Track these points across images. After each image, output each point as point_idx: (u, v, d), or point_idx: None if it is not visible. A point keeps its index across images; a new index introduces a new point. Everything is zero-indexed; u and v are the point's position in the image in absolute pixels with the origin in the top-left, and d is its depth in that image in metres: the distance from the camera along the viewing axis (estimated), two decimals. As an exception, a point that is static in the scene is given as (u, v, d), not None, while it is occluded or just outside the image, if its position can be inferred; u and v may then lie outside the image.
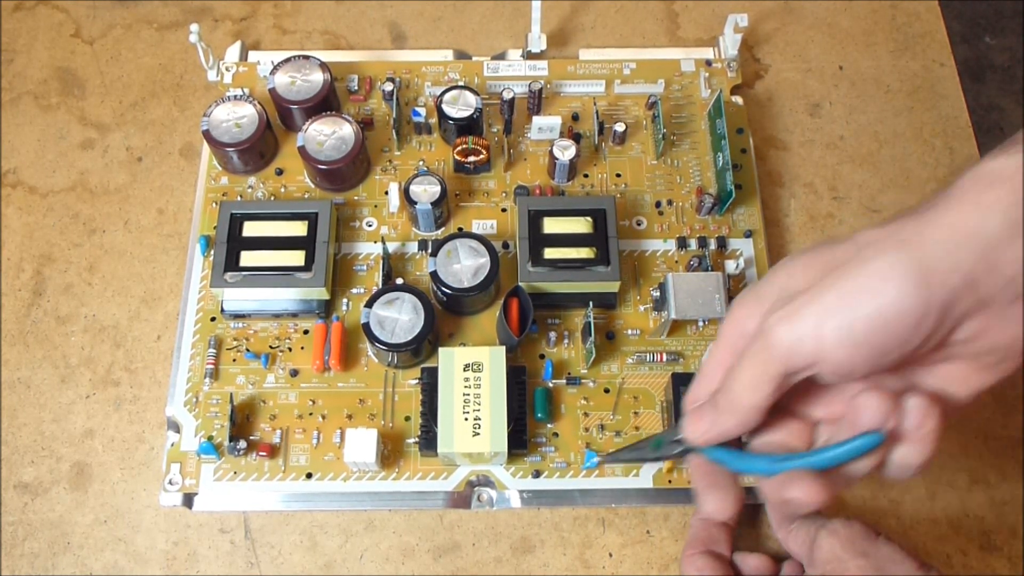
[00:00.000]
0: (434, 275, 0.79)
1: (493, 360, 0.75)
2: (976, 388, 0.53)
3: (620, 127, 0.88)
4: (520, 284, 0.79)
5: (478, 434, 0.72)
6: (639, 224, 0.86)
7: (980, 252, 0.46)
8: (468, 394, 0.73)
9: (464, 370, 0.74)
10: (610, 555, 0.77)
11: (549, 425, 0.78)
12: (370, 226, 0.86)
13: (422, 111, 0.89)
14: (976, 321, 0.49)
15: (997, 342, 0.49)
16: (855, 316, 0.48)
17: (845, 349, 0.49)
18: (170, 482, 0.76)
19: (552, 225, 0.81)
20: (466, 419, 0.73)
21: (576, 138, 0.89)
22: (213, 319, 0.82)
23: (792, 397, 0.55)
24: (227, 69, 0.93)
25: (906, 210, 0.50)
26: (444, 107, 0.86)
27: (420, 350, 0.78)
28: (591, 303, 0.79)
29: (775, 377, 0.52)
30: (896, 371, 0.53)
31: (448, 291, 0.78)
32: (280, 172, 0.88)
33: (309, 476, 0.77)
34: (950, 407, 0.53)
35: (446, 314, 0.83)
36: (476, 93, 0.87)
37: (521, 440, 0.76)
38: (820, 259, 0.52)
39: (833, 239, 0.53)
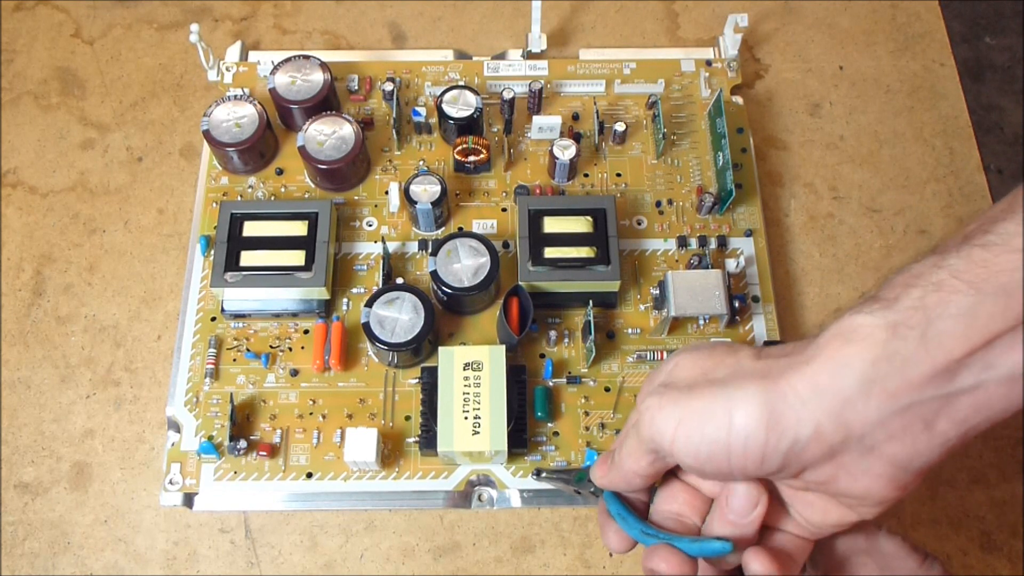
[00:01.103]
0: (434, 274, 0.79)
1: (493, 359, 0.75)
2: (839, 521, 0.54)
3: (620, 127, 0.88)
4: (520, 283, 0.79)
5: (478, 432, 0.72)
6: (639, 223, 0.86)
7: (832, 408, 0.47)
8: (468, 393, 0.74)
9: (464, 369, 0.74)
10: (610, 555, 0.77)
11: (549, 424, 0.78)
12: (370, 226, 0.86)
13: (422, 111, 0.89)
14: (827, 468, 0.49)
15: (850, 489, 0.50)
16: (703, 434, 0.50)
17: (692, 458, 0.51)
18: (170, 482, 0.76)
19: (552, 224, 0.81)
20: (466, 418, 0.73)
21: (576, 138, 0.89)
22: (213, 319, 0.82)
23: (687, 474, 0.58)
24: (227, 69, 0.93)
25: (787, 345, 0.51)
26: (444, 107, 0.86)
27: (420, 350, 0.78)
28: (591, 302, 0.79)
29: (647, 452, 0.54)
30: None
31: (448, 290, 0.78)
32: (280, 172, 0.88)
33: (309, 476, 0.76)
34: (813, 531, 0.55)
35: (446, 314, 0.83)
36: (476, 93, 0.87)
37: (521, 439, 0.76)
38: (705, 363, 0.53)
39: (729, 346, 0.54)
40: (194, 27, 0.87)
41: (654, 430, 0.52)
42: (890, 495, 0.50)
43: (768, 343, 0.80)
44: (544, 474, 0.72)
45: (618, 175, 0.89)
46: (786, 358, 0.49)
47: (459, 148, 0.86)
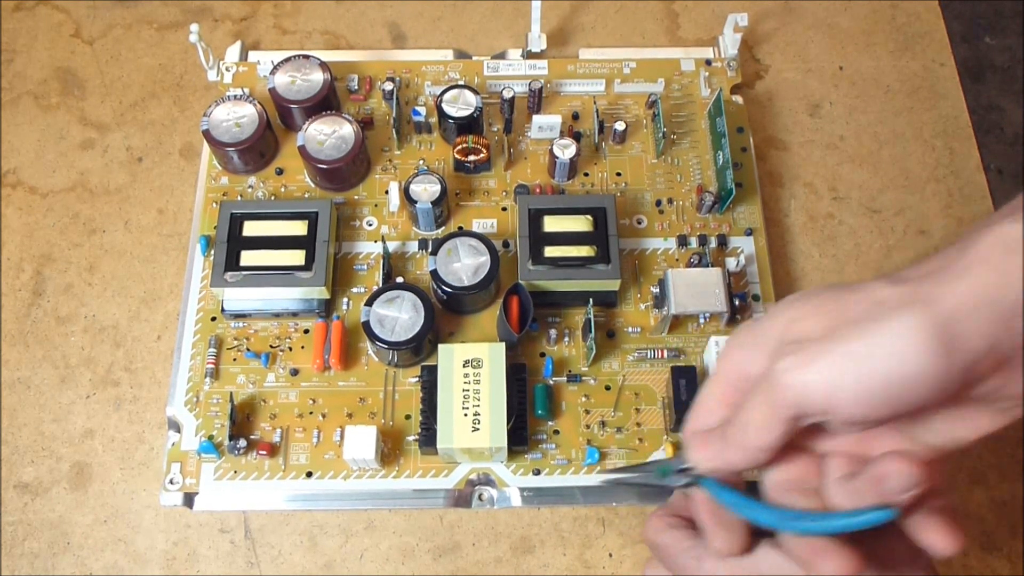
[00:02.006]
0: (434, 273, 0.79)
1: (492, 356, 0.75)
2: (985, 431, 0.52)
3: (620, 126, 0.88)
4: (520, 282, 0.79)
5: (477, 429, 0.72)
6: (639, 223, 0.86)
7: (1002, 318, 0.45)
8: (468, 390, 0.74)
9: (464, 366, 0.74)
10: (610, 555, 0.77)
11: (550, 422, 0.78)
12: (370, 225, 0.86)
13: (422, 110, 0.89)
14: (996, 378, 0.48)
15: (1013, 392, 0.49)
16: (873, 374, 0.47)
17: (860, 405, 0.48)
18: (171, 481, 0.76)
19: (552, 224, 0.81)
20: (465, 414, 0.73)
21: (576, 137, 0.89)
22: (213, 319, 0.82)
23: (800, 433, 0.54)
24: (227, 69, 0.93)
25: (915, 265, 0.49)
26: (444, 106, 0.86)
27: (420, 348, 0.78)
28: (591, 301, 0.79)
29: (785, 421, 0.51)
30: (909, 417, 0.52)
31: (448, 290, 0.78)
32: (280, 172, 0.88)
33: (309, 475, 0.76)
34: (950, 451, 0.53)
35: (446, 313, 0.83)
36: (476, 92, 0.87)
37: (522, 437, 0.76)
38: (830, 307, 0.51)
39: (840, 285, 0.52)
40: (194, 27, 0.87)
41: (805, 391, 0.49)
42: None
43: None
44: (610, 474, 0.71)
45: (618, 174, 0.89)
46: (933, 275, 0.47)
47: (459, 147, 0.86)
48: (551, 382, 0.80)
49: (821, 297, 0.51)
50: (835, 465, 0.54)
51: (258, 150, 0.86)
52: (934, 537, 0.51)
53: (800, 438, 0.55)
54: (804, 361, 0.49)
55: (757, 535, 0.58)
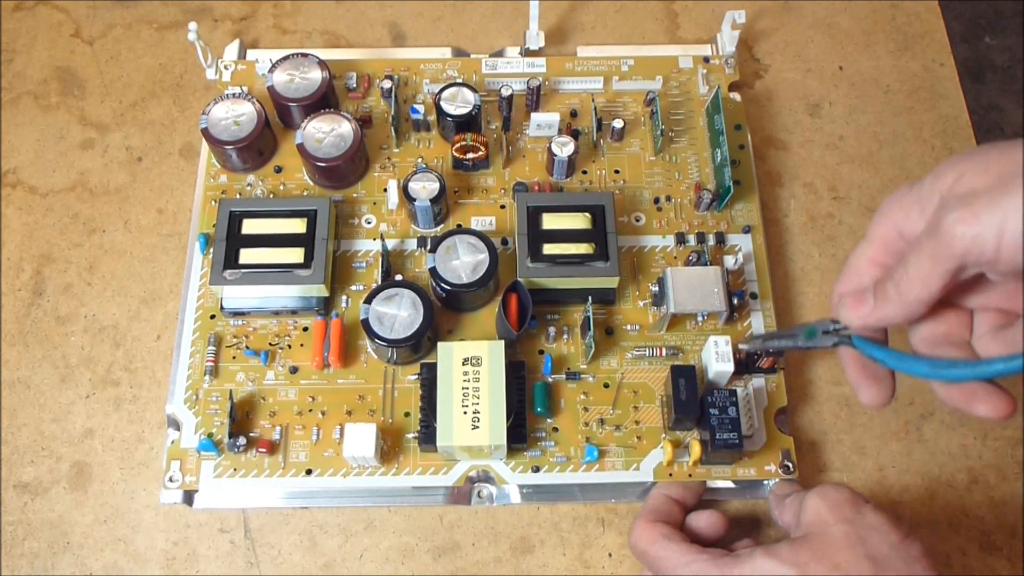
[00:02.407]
0: (433, 271, 0.79)
1: (492, 354, 0.75)
2: None
3: (618, 124, 0.88)
4: (519, 279, 0.79)
5: (477, 427, 0.72)
6: (638, 220, 0.86)
7: None
8: (467, 388, 0.74)
9: (463, 364, 0.74)
10: (610, 555, 0.77)
11: (549, 420, 0.78)
12: (369, 223, 0.86)
13: (421, 108, 0.89)
14: None
15: None
16: None
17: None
18: (170, 479, 0.76)
19: (551, 221, 0.81)
20: (465, 412, 0.73)
21: (574, 135, 0.89)
22: (213, 317, 0.82)
23: (952, 290, 0.55)
24: (225, 67, 0.93)
25: None
26: (443, 104, 0.86)
27: (419, 346, 0.78)
28: (590, 298, 0.78)
29: (948, 272, 0.52)
30: None
31: (447, 287, 0.78)
32: (279, 170, 0.88)
33: (309, 472, 0.76)
34: None
35: (445, 310, 0.83)
36: (474, 90, 0.87)
37: (521, 434, 0.76)
38: (996, 161, 0.51)
39: (1002, 142, 0.52)
40: (192, 25, 0.87)
41: (976, 240, 0.49)
42: None
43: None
44: (753, 340, 0.72)
45: (616, 172, 0.89)
46: None
47: (457, 145, 0.86)
48: (550, 380, 0.80)
49: (988, 155, 0.52)
50: (987, 318, 0.57)
51: (257, 148, 0.86)
52: (986, 406, 0.54)
53: (951, 294, 0.56)
54: (975, 212, 0.50)
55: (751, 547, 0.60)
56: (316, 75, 0.87)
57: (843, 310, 0.59)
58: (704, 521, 0.73)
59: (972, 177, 0.52)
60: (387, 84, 0.89)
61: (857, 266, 0.59)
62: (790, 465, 0.77)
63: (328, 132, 0.84)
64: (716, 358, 0.75)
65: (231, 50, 0.96)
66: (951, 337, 0.57)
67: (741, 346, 0.78)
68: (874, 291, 0.57)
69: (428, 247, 0.82)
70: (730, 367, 0.75)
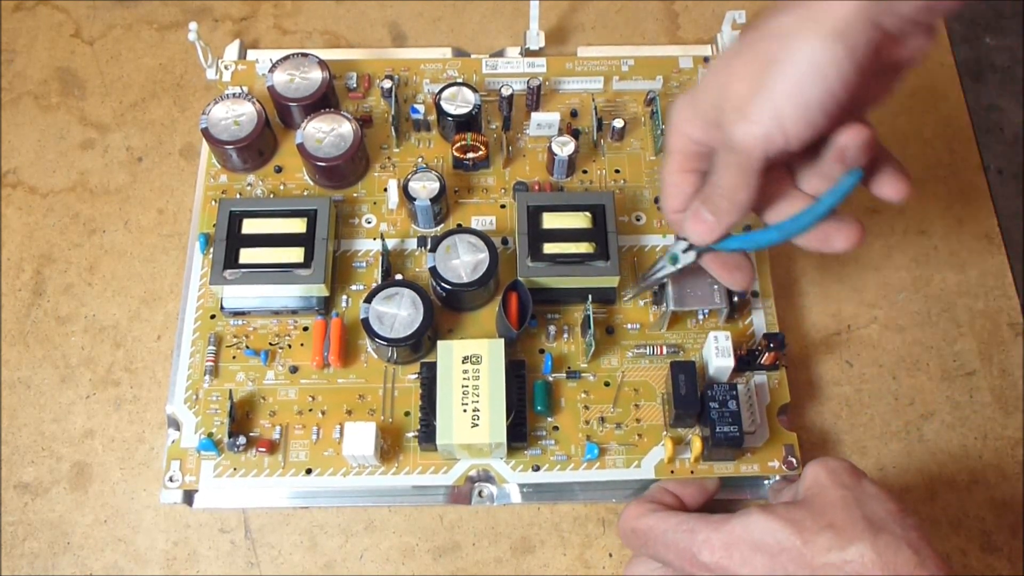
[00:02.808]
0: (433, 270, 0.79)
1: (492, 352, 0.75)
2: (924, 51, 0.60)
3: (619, 123, 0.88)
4: (519, 278, 0.79)
5: (477, 425, 0.72)
6: (638, 219, 0.86)
7: (879, 9, 0.55)
8: (467, 386, 0.74)
9: (463, 362, 0.74)
10: (610, 555, 0.77)
11: (549, 419, 0.78)
12: (369, 223, 0.86)
13: (421, 108, 0.89)
14: (893, 48, 0.58)
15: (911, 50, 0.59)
16: (808, 98, 0.56)
17: (809, 123, 0.56)
18: (170, 479, 0.76)
19: (551, 220, 0.81)
20: (465, 411, 0.73)
21: (575, 134, 0.89)
22: (213, 316, 0.82)
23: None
24: (226, 67, 0.93)
25: None
26: (443, 104, 0.86)
27: (419, 345, 0.78)
28: (590, 297, 0.78)
29: (757, 172, 0.60)
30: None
31: (447, 286, 0.78)
32: (279, 170, 0.88)
33: (309, 472, 0.76)
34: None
35: (446, 310, 0.83)
36: (475, 90, 0.87)
37: (521, 433, 0.76)
38: (751, 59, 0.58)
39: (748, 33, 0.60)
40: (192, 25, 0.87)
41: (765, 137, 0.57)
42: None
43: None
44: (631, 290, 0.81)
45: (617, 171, 0.89)
46: None
47: (458, 145, 0.86)
48: (550, 378, 0.79)
49: (739, 53, 0.59)
50: (803, 169, 0.65)
51: (257, 148, 0.86)
52: (887, 188, 0.63)
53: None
54: (753, 118, 0.57)
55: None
56: (316, 75, 0.87)
57: (688, 232, 0.67)
58: (689, 491, 0.73)
59: (736, 84, 0.59)
60: (387, 84, 0.89)
61: (673, 180, 0.67)
62: (794, 461, 0.77)
63: (328, 132, 0.84)
64: (716, 353, 0.75)
65: (231, 50, 0.96)
66: (786, 195, 0.65)
67: (624, 296, 0.82)
68: (707, 208, 0.64)
69: (428, 247, 0.81)
70: (731, 362, 0.75)
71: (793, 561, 0.58)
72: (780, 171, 0.65)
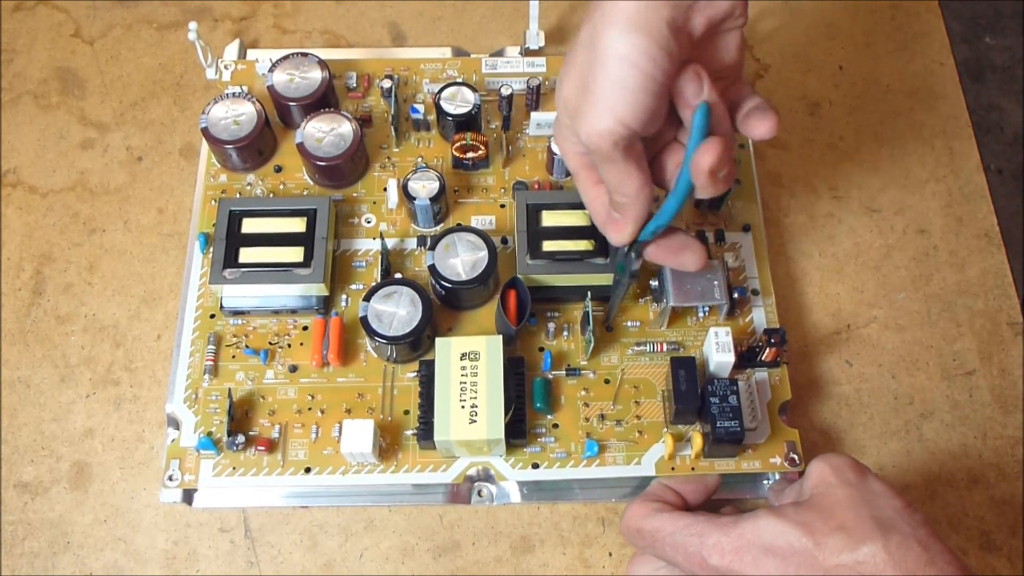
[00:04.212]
0: (432, 268, 0.79)
1: (490, 349, 0.75)
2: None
3: (619, 123, 0.88)
4: (518, 276, 0.79)
5: (475, 422, 0.72)
6: (638, 219, 0.86)
7: None
8: (465, 382, 0.74)
9: (461, 359, 0.74)
10: (610, 554, 0.77)
11: (549, 416, 0.78)
12: (369, 222, 0.86)
13: (420, 108, 0.89)
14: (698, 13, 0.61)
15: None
16: (629, 87, 0.59)
17: (642, 109, 0.60)
18: (170, 478, 0.76)
19: (550, 219, 0.81)
20: (463, 407, 0.73)
21: (575, 134, 0.89)
22: (212, 316, 0.82)
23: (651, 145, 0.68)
24: (225, 67, 0.93)
25: None
26: (442, 103, 0.86)
27: (418, 343, 0.78)
28: (589, 293, 0.78)
29: (623, 161, 0.63)
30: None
31: (446, 284, 0.78)
32: (279, 169, 0.88)
33: (308, 470, 0.76)
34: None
35: (445, 309, 0.83)
36: (474, 90, 0.87)
37: (520, 430, 0.76)
38: (574, 70, 0.63)
39: (568, 54, 0.65)
40: (192, 25, 0.87)
41: (610, 133, 0.61)
42: None
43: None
44: (608, 316, 0.82)
45: (616, 171, 0.88)
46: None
47: (457, 145, 0.86)
48: (550, 376, 0.80)
49: (567, 71, 0.64)
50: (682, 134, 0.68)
51: (257, 148, 0.86)
52: (755, 127, 0.66)
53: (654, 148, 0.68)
54: (589, 119, 0.61)
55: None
56: (316, 75, 0.87)
57: (613, 239, 0.70)
58: (690, 487, 0.74)
59: (571, 96, 0.64)
60: (387, 84, 0.88)
61: (589, 197, 0.70)
62: (796, 457, 0.77)
63: (328, 131, 0.84)
64: (717, 348, 0.75)
65: (231, 50, 0.96)
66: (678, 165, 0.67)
67: (605, 323, 0.82)
68: (615, 210, 0.68)
69: (428, 246, 0.81)
70: (731, 358, 0.75)
71: (805, 564, 0.58)
72: (666, 144, 0.68)
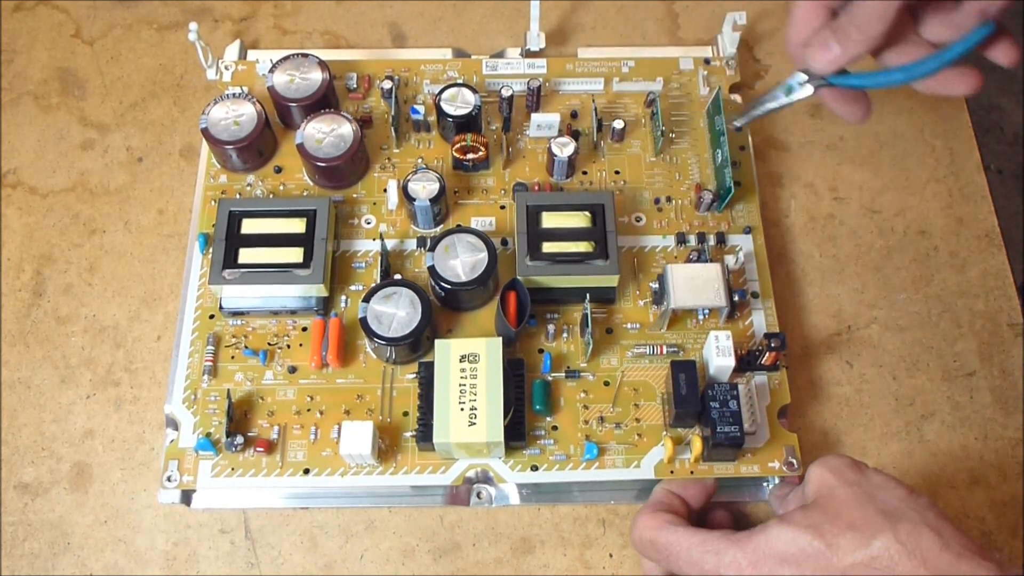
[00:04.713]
0: (432, 270, 0.79)
1: (489, 351, 0.75)
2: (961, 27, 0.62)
3: (619, 124, 0.88)
4: (518, 277, 0.79)
5: (474, 424, 0.72)
6: (638, 220, 0.86)
7: None
8: (464, 384, 0.74)
9: (460, 361, 0.74)
10: (610, 556, 0.77)
11: (548, 418, 0.78)
12: (369, 223, 0.86)
13: (421, 109, 0.89)
14: None
15: None
16: None
17: None
18: (168, 479, 0.76)
19: (551, 220, 0.81)
20: (462, 409, 0.73)
21: (575, 135, 0.89)
22: (212, 316, 0.82)
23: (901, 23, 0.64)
24: (226, 68, 0.93)
25: None
26: (443, 104, 0.86)
27: (418, 345, 0.78)
28: (588, 295, 0.78)
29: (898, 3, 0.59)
30: None
31: (446, 285, 0.78)
32: (279, 170, 0.88)
33: (307, 472, 0.76)
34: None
35: (445, 310, 0.83)
36: (475, 91, 0.87)
37: (520, 432, 0.76)
38: None
39: None
40: (192, 26, 0.87)
41: None
42: None
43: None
44: (740, 118, 0.78)
45: (617, 172, 0.89)
46: None
47: (458, 146, 0.86)
48: (549, 378, 0.79)
49: None
50: (930, 12, 0.64)
51: (257, 148, 0.86)
52: (1001, 53, 0.63)
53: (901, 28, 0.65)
54: None
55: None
56: (316, 76, 0.87)
57: (811, 60, 0.66)
58: (716, 520, 0.74)
59: None
60: (387, 85, 0.89)
61: (803, 15, 0.66)
62: (795, 462, 0.77)
63: (328, 132, 0.84)
64: (717, 352, 0.75)
65: (231, 51, 0.96)
66: (907, 40, 0.65)
67: (735, 123, 0.79)
68: (835, 38, 0.63)
69: (428, 247, 0.81)
70: (731, 361, 0.75)
71: (820, 566, 0.58)
72: (904, 16, 0.64)
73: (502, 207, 0.87)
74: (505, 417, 0.73)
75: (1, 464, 0.80)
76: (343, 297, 0.83)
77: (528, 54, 0.96)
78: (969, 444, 0.81)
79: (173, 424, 0.78)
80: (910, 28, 0.65)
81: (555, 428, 0.78)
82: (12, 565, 0.76)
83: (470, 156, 0.86)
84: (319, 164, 0.84)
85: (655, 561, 0.69)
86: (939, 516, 0.58)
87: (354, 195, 0.87)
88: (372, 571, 0.76)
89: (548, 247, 0.80)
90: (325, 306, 0.82)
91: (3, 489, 0.79)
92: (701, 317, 0.82)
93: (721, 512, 0.75)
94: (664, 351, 0.80)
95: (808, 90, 0.69)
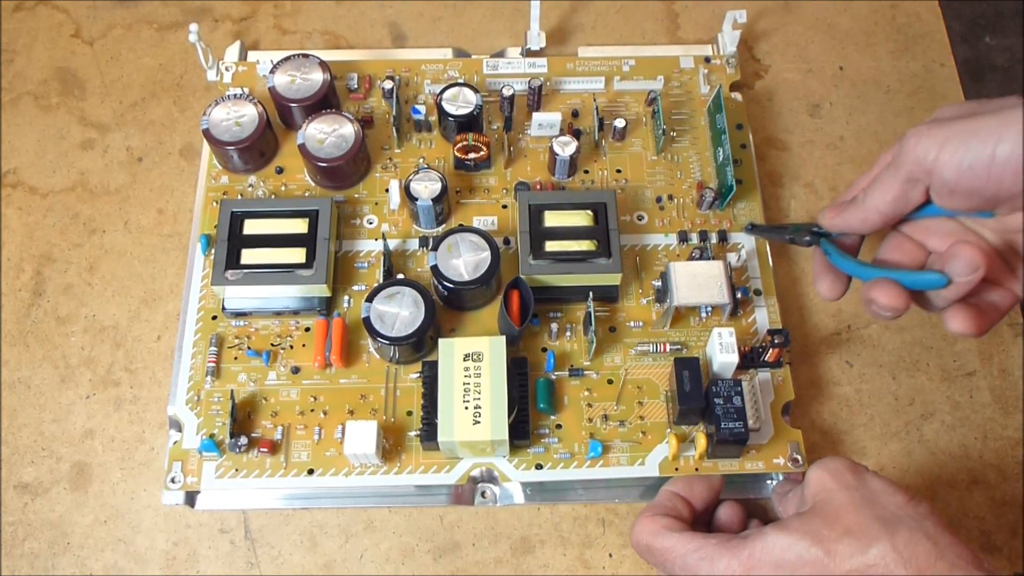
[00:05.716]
0: (435, 269, 0.79)
1: (493, 350, 0.75)
2: None
3: (620, 123, 0.88)
4: (521, 276, 0.79)
5: (478, 423, 0.72)
6: (640, 219, 0.86)
7: None
8: (468, 383, 0.73)
9: (464, 360, 0.74)
10: (610, 555, 0.77)
11: (552, 417, 0.78)
12: (371, 223, 0.86)
13: (422, 108, 0.89)
14: None
15: None
16: (968, 148, 0.58)
17: (952, 171, 0.59)
18: (172, 480, 0.76)
19: (553, 219, 0.81)
20: (466, 408, 0.73)
21: (576, 134, 0.89)
22: (214, 317, 0.82)
23: (915, 230, 0.67)
24: (226, 68, 0.93)
25: None
26: (444, 104, 0.86)
27: (421, 344, 0.78)
28: (591, 293, 0.78)
29: (900, 184, 0.63)
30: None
31: (449, 285, 0.78)
32: (280, 170, 0.88)
33: (311, 472, 0.76)
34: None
35: (448, 310, 0.83)
36: (476, 90, 0.87)
37: (524, 431, 0.76)
38: (971, 106, 0.61)
39: (988, 100, 0.61)
40: (193, 27, 0.87)
41: (919, 150, 0.60)
42: None
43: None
44: (755, 228, 0.81)
45: (618, 171, 0.89)
46: None
47: (459, 145, 0.86)
48: (553, 376, 0.79)
49: (970, 104, 0.62)
50: (935, 259, 0.66)
51: (258, 149, 0.86)
52: (956, 322, 0.62)
53: (914, 232, 0.67)
54: (927, 130, 0.60)
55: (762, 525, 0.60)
56: (317, 76, 0.87)
57: (821, 216, 0.71)
58: (723, 515, 0.74)
59: (946, 111, 0.63)
60: (388, 85, 0.89)
61: (856, 185, 0.70)
62: (799, 458, 0.77)
63: (329, 133, 0.84)
64: (721, 348, 0.75)
65: (232, 52, 0.96)
66: (900, 264, 0.67)
67: (746, 231, 0.82)
68: (847, 202, 0.68)
69: (430, 247, 0.81)
70: (735, 358, 0.75)
71: (817, 573, 0.58)
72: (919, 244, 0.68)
73: (504, 206, 0.87)
74: (509, 415, 0.73)
75: (1, 464, 0.80)
76: (346, 297, 0.83)
77: (529, 53, 0.96)
78: (969, 444, 0.81)
79: (176, 426, 0.78)
80: (918, 250, 0.67)
81: (559, 426, 0.78)
82: (12, 565, 0.76)
83: (472, 155, 0.86)
84: (321, 164, 0.83)
85: (652, 565, 0.69)
86: (937, 525, 0.58)
87: (356, 195, 0.87)
88: (372, 571, 0.76)
89: (551, 246, 0.80)
90: (328, 306, 0.82)
91: (3, 489, 0.79)
92: (704, 314, 0.82)
93: (729, 506, 0.75)
94: (667, 349, 0.80)
95: (805, 239, 0.73)
